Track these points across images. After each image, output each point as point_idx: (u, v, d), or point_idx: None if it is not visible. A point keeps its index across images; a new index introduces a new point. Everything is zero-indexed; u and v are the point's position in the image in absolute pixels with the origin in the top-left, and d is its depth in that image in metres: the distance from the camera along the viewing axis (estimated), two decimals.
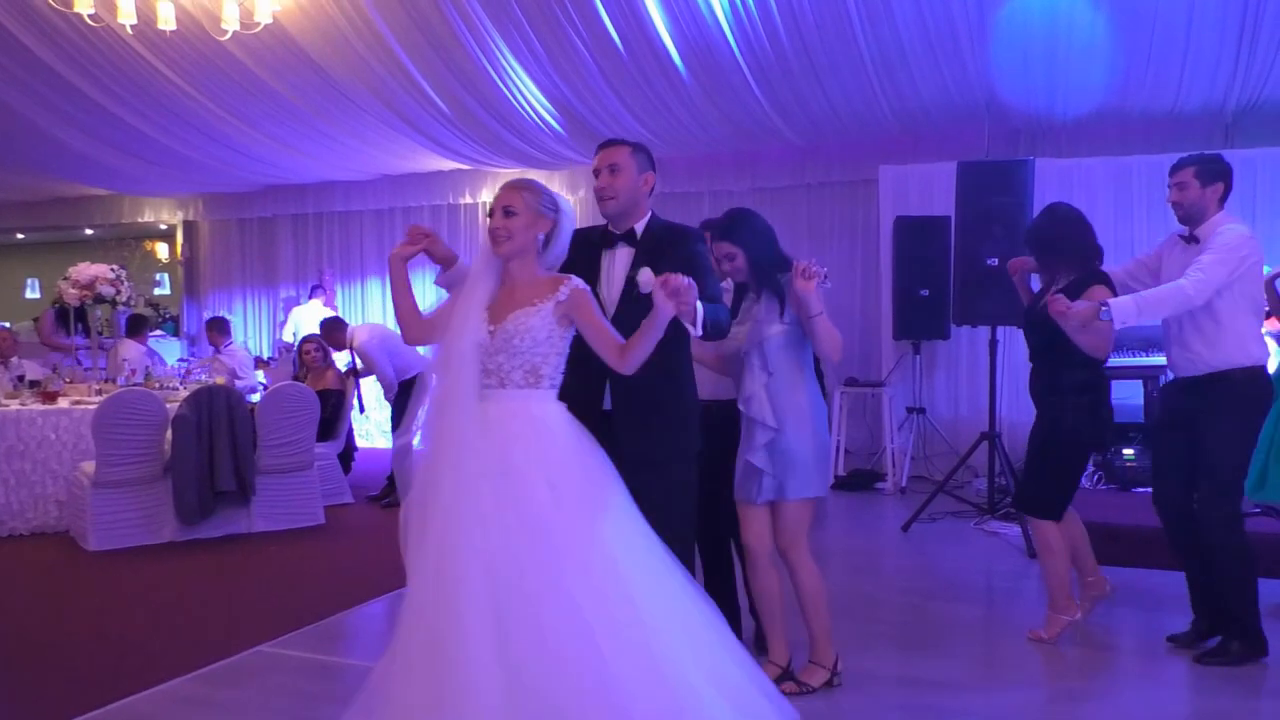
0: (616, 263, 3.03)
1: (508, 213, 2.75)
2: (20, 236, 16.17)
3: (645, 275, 2.64)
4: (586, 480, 2.64)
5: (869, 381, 8.22)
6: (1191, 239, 3.77)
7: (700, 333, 2.68)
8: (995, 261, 6.05)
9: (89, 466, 5.88)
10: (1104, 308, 3.50)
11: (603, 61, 7.48)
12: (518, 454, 2.59)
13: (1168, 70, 7.00)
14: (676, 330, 2.72)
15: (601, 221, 3.18)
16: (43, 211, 13.75)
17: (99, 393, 6.65)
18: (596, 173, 3.07)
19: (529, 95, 8.16)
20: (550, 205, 2.82)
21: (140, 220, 13.38)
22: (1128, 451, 6.54)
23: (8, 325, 11.75)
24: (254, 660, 3.92)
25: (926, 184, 7.86)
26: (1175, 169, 3.81)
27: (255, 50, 7.69)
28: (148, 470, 5.87)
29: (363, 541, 6.12)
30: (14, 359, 7.52)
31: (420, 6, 7.09)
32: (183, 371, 8.12)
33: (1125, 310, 3.51)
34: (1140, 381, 6.83)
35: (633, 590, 2.50)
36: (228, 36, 6.97)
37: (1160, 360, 5.35)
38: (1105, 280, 3.86)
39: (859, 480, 7.61)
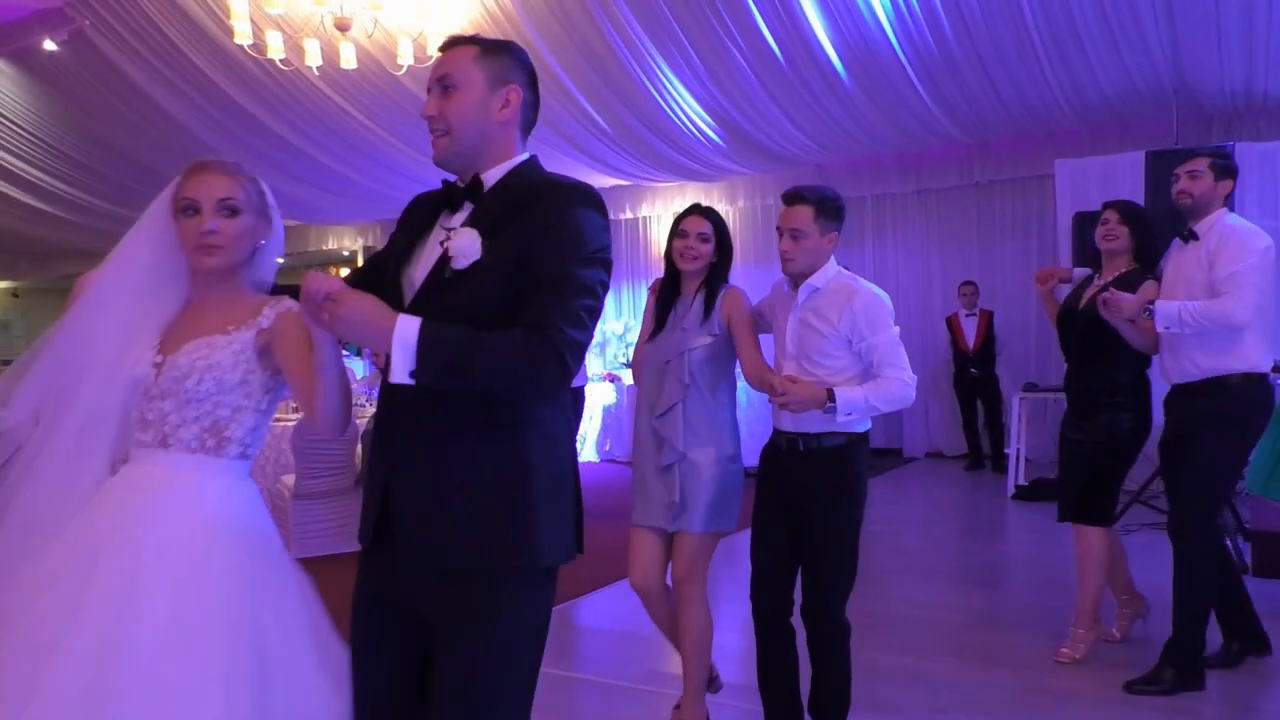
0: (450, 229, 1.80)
1: (228, 210, 1.90)
2: None
3: (462, 240, 1.70)
4: (211, 605, 1.74)
5: (1049, 387, 7.81)
6: (1190, 235, 3.63)
7: (403, 378, 1.61)
8: None
9: (289, 479, 6.29)
10: (1150, 306, 3.46)
11: (761, 70, 7.46)
12: (133, 546, 1.76)
13: None
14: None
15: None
16: None
17: (295, 410, 7.12)
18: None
19: (688, 109, 8.23)
20: (267, 201, 2.02)
21: (325, 248, 14.31)
22: None
23: None
24: None
25: (1108, 176, 7.40)
26: (1187, 159, 3.67)
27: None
28: (341, 482, 6.22)
29: None
30: None
31: (580, 28, 7.28)
32: (367, 388, 8.58)
33: (1169, 315, 3.43)
34: None
35: None
36: (403, 71, 7.36)
37: None
38: (1158, 279, 3.75)
39: (1041, 490, 7.23)
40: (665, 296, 3.16)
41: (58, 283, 20.20)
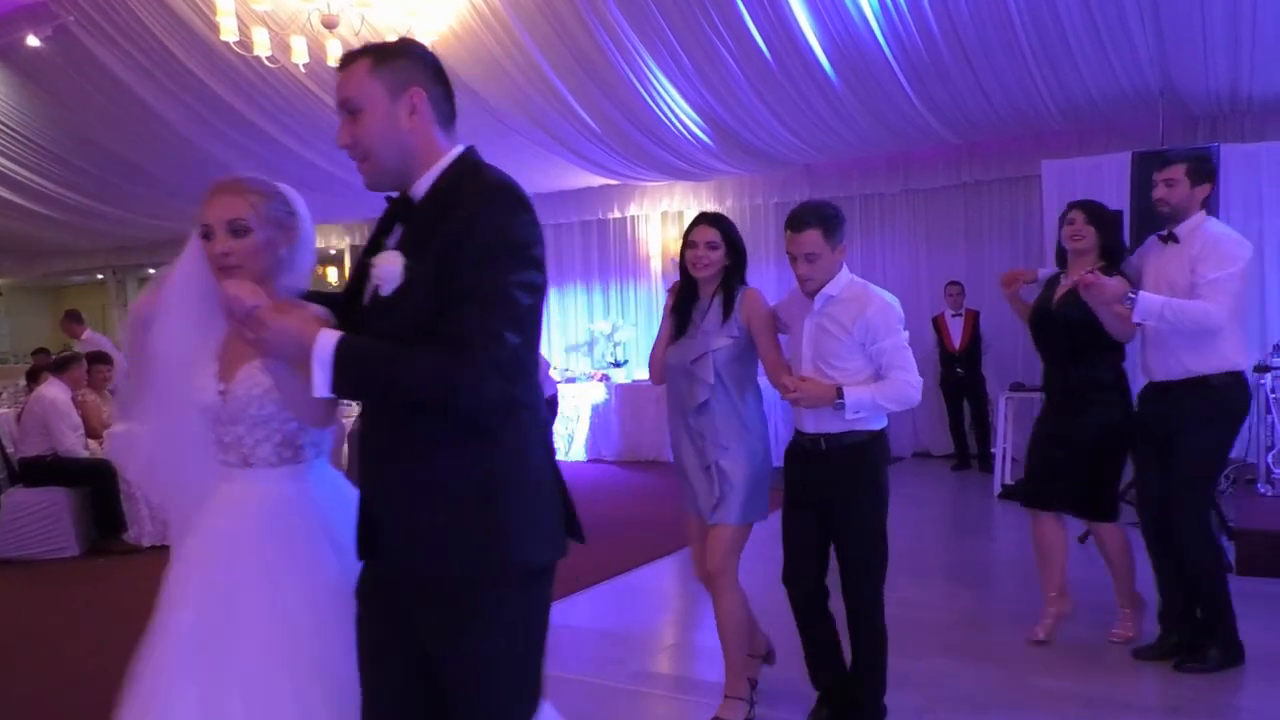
0: (389, 249, 1.77)
1: (237, 230, 1.91)
2: None
3: (383, 267, 1.69)
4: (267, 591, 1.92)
5: (1035, 386, 7.81)
6: (1170, 237, 3.72)
7: (325, 392, 1.63)
8: None
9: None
10: (1131, 295, 3.51)
11: (750, 70, 7.46)
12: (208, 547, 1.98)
13: None
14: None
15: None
16: None
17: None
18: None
19: (676, 108, 8.22)
20: (288, 209, 2.00)
21: None
22: None
23: None
24: None
25: (1094, 177, 7.44)
26: (1164, 165, 3.75)
27: None
28: None
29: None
30: None
31: (569, 27, 7.26)
32: None
33: (1150, 306, 3.50)
34: None
35: None
36: None
37: None
38: (1126, 276, 3.80)
39: None
40: (684, 300, 3.31)
41: (42, 281, 20.05)
